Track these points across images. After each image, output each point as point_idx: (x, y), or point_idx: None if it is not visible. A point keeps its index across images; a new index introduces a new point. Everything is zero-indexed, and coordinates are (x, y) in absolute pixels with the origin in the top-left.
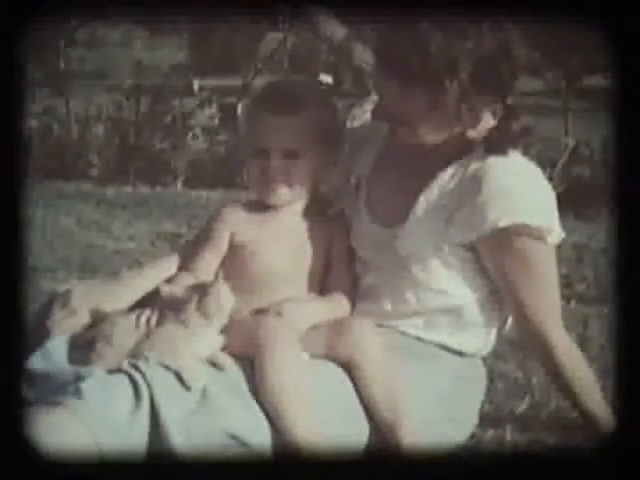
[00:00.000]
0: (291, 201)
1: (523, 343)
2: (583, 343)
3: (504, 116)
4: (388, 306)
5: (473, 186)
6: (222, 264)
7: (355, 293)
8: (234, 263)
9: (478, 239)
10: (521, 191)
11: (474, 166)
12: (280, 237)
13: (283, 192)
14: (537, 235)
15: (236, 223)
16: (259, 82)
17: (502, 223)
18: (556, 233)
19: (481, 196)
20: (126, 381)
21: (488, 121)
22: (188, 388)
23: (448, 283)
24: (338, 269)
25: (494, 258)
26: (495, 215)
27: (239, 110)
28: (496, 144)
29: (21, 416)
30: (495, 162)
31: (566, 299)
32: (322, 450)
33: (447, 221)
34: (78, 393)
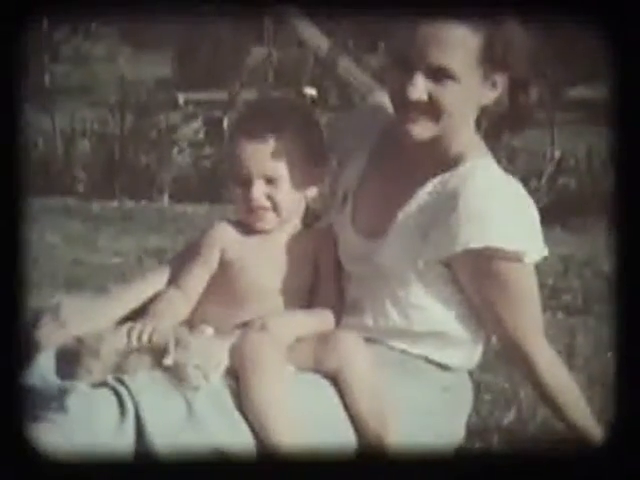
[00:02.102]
0: (280, 224)
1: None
2: (569, 354)
3: (512, 91)
4: (370, 320)
5: (449, 203)
6: (211, 279)
7: (341, 307)
8: (222, 278)
9: (449, 258)
10: (497, 213)
11: (454, 183)
12: (269, 253)
13: (269, 219)
14: (513, 258)
15: (227, 240)
16: (243, 99)
17: (473, 245)
18: (535, 252)
19: (455, 215)
20: (110, 395)
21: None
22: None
23: (426, 299)
24: (325, 283)
25: (470, 278)
26: (466, 236)
27: (225, 125)
28: (509, 118)
29: (21, 417)
30: (474, 180)
31: (552, 310)
32: (308, 463)
33: (423, 237)
34: (62, 408)
